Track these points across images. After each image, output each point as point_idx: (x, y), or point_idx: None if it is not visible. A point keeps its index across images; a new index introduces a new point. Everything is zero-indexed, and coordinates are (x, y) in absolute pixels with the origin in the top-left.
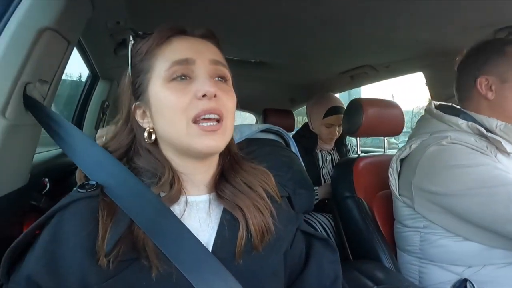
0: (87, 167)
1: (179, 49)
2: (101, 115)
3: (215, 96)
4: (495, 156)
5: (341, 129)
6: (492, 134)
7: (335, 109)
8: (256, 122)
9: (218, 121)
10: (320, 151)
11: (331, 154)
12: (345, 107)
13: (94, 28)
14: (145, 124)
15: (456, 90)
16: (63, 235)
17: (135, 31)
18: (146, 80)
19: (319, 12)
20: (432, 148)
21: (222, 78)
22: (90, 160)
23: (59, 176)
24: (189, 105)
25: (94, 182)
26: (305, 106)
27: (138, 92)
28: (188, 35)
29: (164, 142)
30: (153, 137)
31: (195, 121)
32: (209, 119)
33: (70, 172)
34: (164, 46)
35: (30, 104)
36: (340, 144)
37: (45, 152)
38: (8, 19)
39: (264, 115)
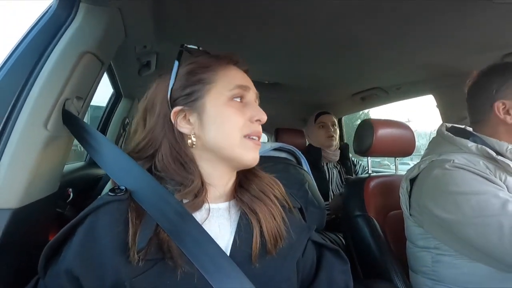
0: (115, 173)
1: (239, 76)
2: (122, 131)
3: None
4: (505, 180)
5: (337, 130)
6: (501, 157)
7: (323, 112)
8: (268, 141)
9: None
10: (327, 164)
11: (337, 168)
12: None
13: (123, 51)
14: (185, 129)
15: (470, 113)
16: (97, 233)
17: (160, 54)
18: (205, 90)
19: (331, 35)
20: (436, 171)
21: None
22: (118, 167)
23: (82, 186)
24: (244, 124)
25: (123, 187)
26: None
27: (190, 98)
28: (239, 66)
29: (207, 150)
30: (194, 143)
31: (246, 137)
32: (255, 139)
33: (92, 183)
34: (226, 68)
35: (67, 117)
36: (344, 159)
37: (68, 164)
38: (57, 42)
39: (276, 134)
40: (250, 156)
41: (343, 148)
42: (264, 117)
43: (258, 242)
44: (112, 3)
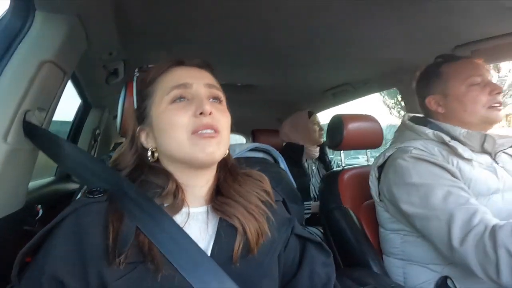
0: (88, 179)
1: (177, 76)
2: (93, 141)
3: (210, 113)
4: (457, 164)
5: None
6: (453, 142)
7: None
8: (246, 143)
9: (215, 132)
10: (306, 160)
11: (316, 164)
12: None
13: (88, 60)
14: (149, 144)
15: (420, 108)
16: (78, 235)
17: (127, 61)
18: (149, 105)
19: (300, 34)
20: (398, 161)
21: (217, 99)
22: (90, 172)
23: (52, 203)
24: (189, 121)
25: (102, 189)
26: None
27: (143, 116)
28: (186, 65)
29: (166, 157)
30: (156, 155)
31: (195, 133)
32: (206, 132)
33: (63, 199)
34: (164, 74)
35: (29, 129)
36: (322, 154)
37: (36, 180)
38: (13, 52)
39: (253, 135)
40: (203, 152)
41: (322, 145)
42: (206, 107)
43: (239, 246)
44: (69, 10)
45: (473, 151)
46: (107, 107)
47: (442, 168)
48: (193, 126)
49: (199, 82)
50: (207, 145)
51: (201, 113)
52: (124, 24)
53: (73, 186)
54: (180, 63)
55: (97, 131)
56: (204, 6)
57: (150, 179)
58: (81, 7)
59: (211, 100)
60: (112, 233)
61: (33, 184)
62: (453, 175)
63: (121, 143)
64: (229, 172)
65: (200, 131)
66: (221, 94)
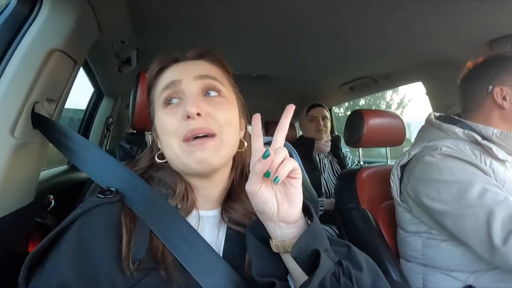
0: (98, 176)
1: (168, 75)
2: (105, 131)
3: (199, 114)
4: (490, 164)
5: (326, 123)
6: (486, 142)
7: (315, 104)
8: None
9: (209, 136)
10: (318, 155)
11: (328, 158)
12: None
13: (100, 48)
14: (159, 147)
15: (463, 100)
16: (89, 239)
17: (140, 50)
18: (153, 110)
19: (319, 25)
20: (425, 158)
21: (214, 91)
22: (101, 169)
23: (64, 193)
24: (178, 126)
25: (114, 189)
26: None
27: (152, 120)
28: (180, 61)
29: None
30: (165, 159)
31: (185, 140)
32: (198, 138)
33: (76, 188)
34: (158, 76)
35: (38, 122)
36: (336, 149)
37: (49, 169)
38: (20, 41)
39: (266, 128)
40: (196, 161)
41: (335, 139)
42: (189, 110)
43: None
44: None
45: (506, 152)
46: (120, 96)
47: (475, 166)
48: (182, 132)
49: (189, 76)
50: (198, 152)
51: (187, 116)
52: (137, 11)
53: (85, 174)
54: (174, 60)
55: (110, 120)
56: None
57: (163, 178)
58: None
59: (206, 94)
60: (126, 236)
61: (45, 173)
62: (486, 174)
63: (132, 132)
64: (243, 174)
65: (190, 139)
66: (217, 84)
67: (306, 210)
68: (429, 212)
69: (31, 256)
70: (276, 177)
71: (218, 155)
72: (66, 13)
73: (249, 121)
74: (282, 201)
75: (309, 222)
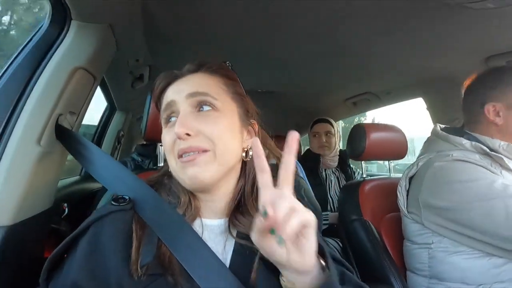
0: (112, 184)
1: (168, 95)
2: (117, 143)
3: (189, 134)
4: (500, 173)
5: (330, 138)
6: (494, 153)
7: (319, 120)
8: None
9: (199, 152)
10: (325, 170)
11: (335, 174)
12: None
13: (116, 65)
14: None
15: (464, 114)
16: (101, 244)
17: (152, 66)
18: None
19: (322, 43)
20: (436, 164)
21: (206, 106)
22: (114, 178)
23: (77, 201)
24: (173, 144)
25: (127, 197)
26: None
27: None
28: (179, 78)
29: None
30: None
31: (179, 157)
32: (186, 157)
33: (88, 198)
34: (161, 96)
35: (60, 132)
36: (344, 165)
37: (63, 179)
38: (49, 59)
39: None
40: (187, 177)
41: (343, 154)
42: (177, 131)
43: (257, 267)
44: (102, 20)
45: None
46: (131, 110)
47: (487, 169)
48: (176, 150)
49: (181, 95)
50: (189, 168)
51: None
52: (152, 31)
53: (97, 185)
54: (174, 78)
55: (121, 133)
56: (230, 16)
57: (172, 187)
58: (113, 17)
59: (200, 109)
60: (136, 242)
61: (60, 182)
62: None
63: (143, 144)
64: (252, 184)
65: (182, 156)
66: (209, 99)
67: (321, 254)
68: (445, 215)
69: (50, 259)
70: (280, 237)
71: (208, 170)
72: (90, 34)
73: (261, 126)
74: (292, 251)
75: (323, 264)
